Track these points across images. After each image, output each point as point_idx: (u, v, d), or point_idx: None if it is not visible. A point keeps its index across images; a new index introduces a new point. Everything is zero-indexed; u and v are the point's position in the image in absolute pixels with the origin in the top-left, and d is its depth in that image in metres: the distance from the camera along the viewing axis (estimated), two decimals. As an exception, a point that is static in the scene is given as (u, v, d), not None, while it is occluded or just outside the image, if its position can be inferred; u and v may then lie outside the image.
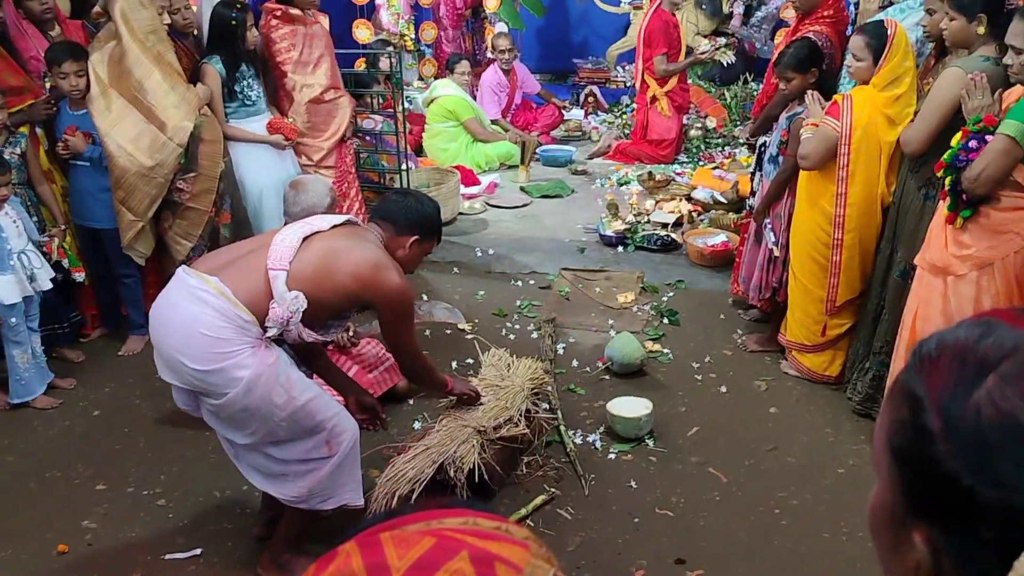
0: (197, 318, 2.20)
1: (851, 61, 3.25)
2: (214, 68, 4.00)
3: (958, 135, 2.66)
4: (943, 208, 2.76)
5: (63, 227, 3.70)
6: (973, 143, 2.58)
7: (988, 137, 2.54)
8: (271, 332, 2.27)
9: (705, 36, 7.64)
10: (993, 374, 0.58)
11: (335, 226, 2.42)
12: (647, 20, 6.37)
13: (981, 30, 2.86)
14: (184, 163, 3.81)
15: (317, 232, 2.36)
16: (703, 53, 6.70)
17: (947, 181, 2.67)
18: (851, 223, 3.30)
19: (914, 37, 3.50)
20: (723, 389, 3.61)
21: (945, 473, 0.58)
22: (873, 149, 3.21)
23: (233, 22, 3.94)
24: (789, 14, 7.16)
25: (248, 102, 4.15)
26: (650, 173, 6.03)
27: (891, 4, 4.01)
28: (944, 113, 2.84)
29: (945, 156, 2.67)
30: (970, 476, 0.56)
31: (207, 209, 3.92)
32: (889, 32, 3.13)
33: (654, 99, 6.51)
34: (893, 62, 3.13)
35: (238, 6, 3.98)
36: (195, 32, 4.16)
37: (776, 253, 3.69)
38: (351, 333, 3.35)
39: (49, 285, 3.51)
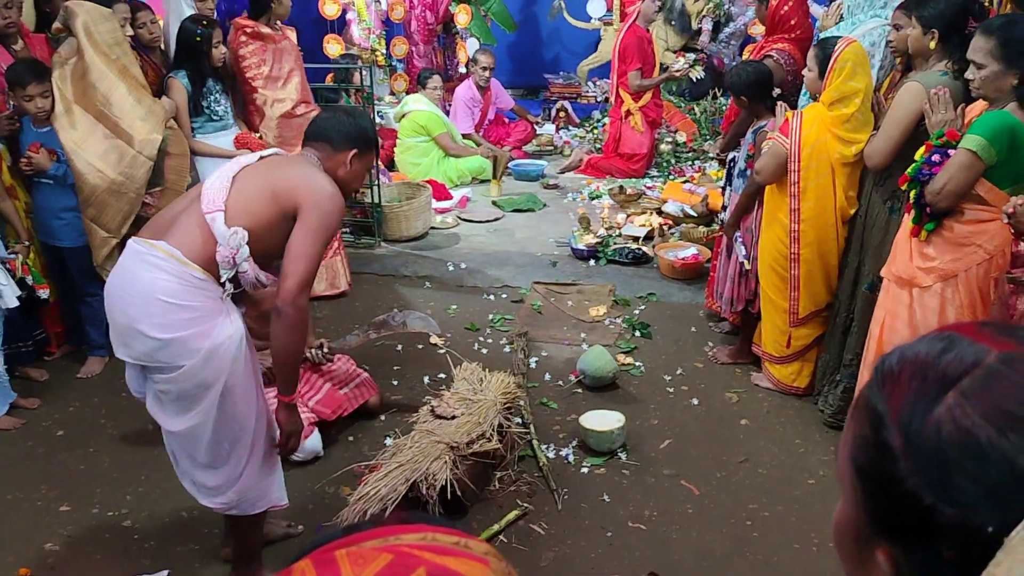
0: (154, 284, 2.16)
1: (806, 71, 3.32)
2: (180, 82, 3.97)
3: (922, 149, 2.70)
4: (908, 221, 2.80)
5: (27, 244, 3.63)
6: (936, 157, 2.62)
7: (951, 151, 2.58)
8: (225, 276, 2.21)
9: (675, 52, 7.73)
10: (954, 390, 0.58)
11: (263, 157, 2.37)
12: (622, 35, 6.43)
13: (932, 44, 2.91)
14: (151, 177, 3.76)
15: (246, 167, 2.31)
16: (677, 70, 6.79)
17: (911, 194, 2.71)
18: (807, 237, 3.34)
19: (866, 44, 3.55)
20: (695, 401, 3.63)
21: (906, 491, 0.57)
22: (824, 166, 3.25)
23: (199, 38, 3.92)
24: (757, 30, 7.30)
25: (215, 117, 4.12)
26: (621, 187, 6.07)
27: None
28: (905, 127, 2.88)
29: (909, 170, 2.71)
30: (930, 494, 0.56)
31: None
32: (837, 49, 3.17)
33: (628, 113, 6.57)
34: (837, 80, 3.16)
35: (204, 22, 3.96)
36: (161, 47, 4.12)
37: (747, 266, 3.72)
38: (325, 349, 3.32)
39: (16, 303, 3.44)
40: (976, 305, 2.68)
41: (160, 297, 2.15)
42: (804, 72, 3.32)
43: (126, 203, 3.67)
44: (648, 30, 6.53)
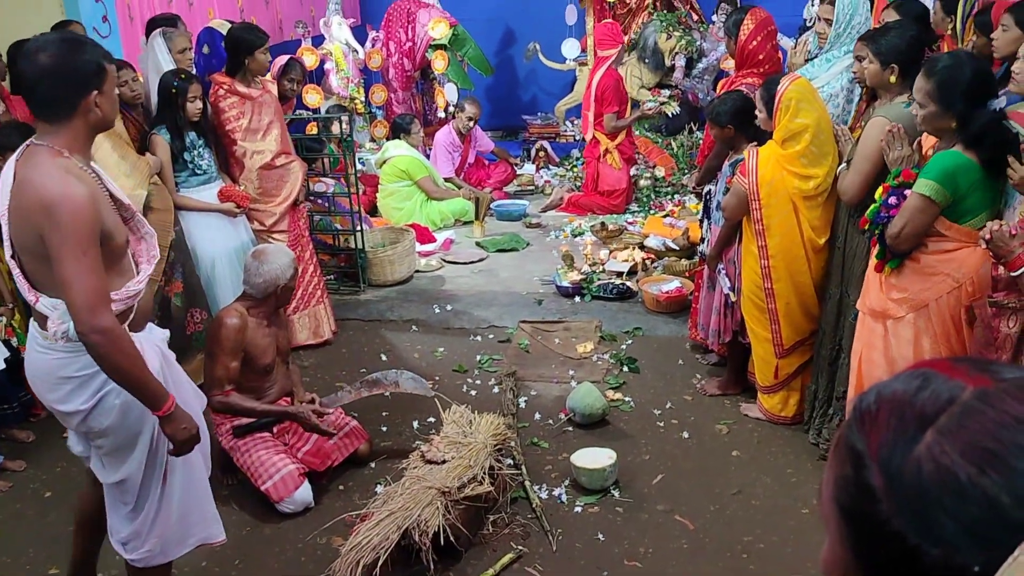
0: (50, 366, 2.14)
1: (756, 111, 3.39)
2: (163, 138, 4.00)
3: (880, 190, 2.75)
4: (875, 255, 2.84)
5: (11, 305, 3.62)
6: (892, 199, 2.66)
7: (907, 191, 2.62)
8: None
9: (649, 89, 7.85)
10: (931, 428, 0.58)
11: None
12: (599, 78, 6.54)
13: (892, 79, 2.98)
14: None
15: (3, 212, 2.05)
16: (649, 108, 6.91)
17: (876, 230, 2.75)
18: (778, 272, 3.38)
19: (845, 80, 3.63)
20: (685, 435, 3.63)
21: (891, 532, 0.58)
22: (784, 202, 3.29)
23: (174, 90, 3.97)
24: (729, 64, 7.41)
25: (199, 171, 4.15)
26: (603, 223, 6.12)
27: (816, 56, 4.17)
28: (875, 161, 2.92)
29: (868, 212, 2.75)
30: (915, 535, 0.56)
31: (156, 279, 3.87)
32: (779, 89, 3.21)
33: (606, 152, 6.66)
34: (784, 119, 3.22)
35: (182, 76, 4.01)
36: (143, 103, 4.16)
37: (733, 298, 3.74)
38: (317, 404, 3.33)
39: (2, 365, 3.42)
40: (950, 334, 2.70)
41: (60, 375, 2.14)
42: (756, 113, 3.39)
43: (111, 260, 3.67)
44: (616, 70, 6.67)
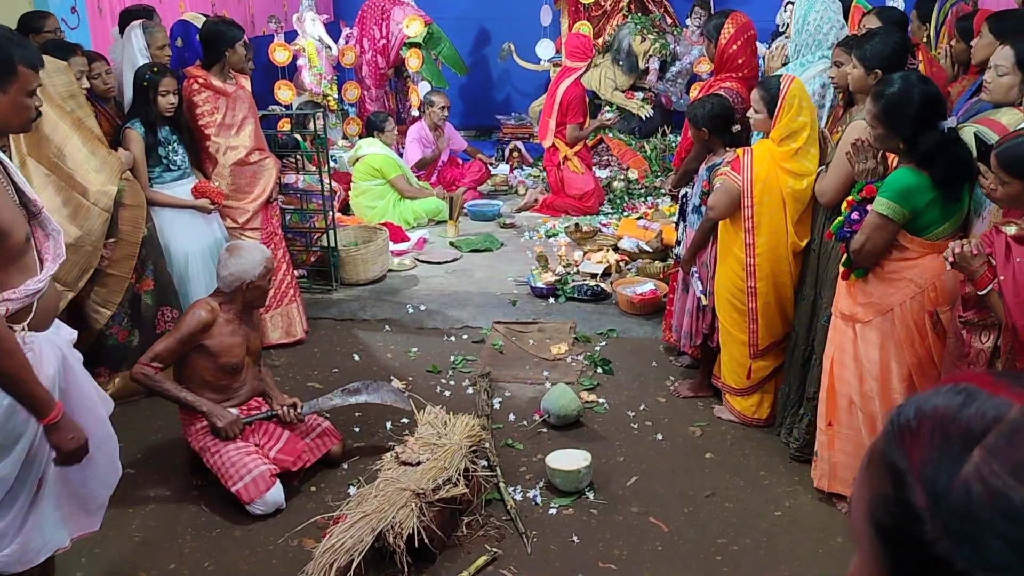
0: None
1: (751, 113, 3.41)
2: (136, 132, 3.93)
3: (844, 203, 2.81)
4: (841, 264, 2.89)
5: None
6: (855, 215, 2.73)
7: (869, 207, 2.68)
8: None
9: (623, 91, 7.89)
10: (979, 447, 0.56)
11: None
12: (565, 87, 6.57)
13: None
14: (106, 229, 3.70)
15: None
16: (608, 119, 7.11)
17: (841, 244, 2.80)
18: (762, 271, 3.41)
19: (817, 85, 3.68)
20: (659, 437, 3.64)
21: (936, 555, 0.56)
22: (776, 200, 3.33)
23: (145, 83, 3.90)
24: (702, 68, 7.49)
25: (173, 167, 4.08)
26: (577, 225, 6.13)
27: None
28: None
29: (832, 226, 2.84)
30: (963, 559, 0.54)
31: (127, 276, 3.80)
32: (783, 87, 3.28)
33: (565, 159, 6.71)
34: (787, 117, 3.27)
35: (154, 69, 3.94)
36: (116, 97, 4.08)
37: (704, 301, 3.77)
38: (299, 409, 3.28)
39: None
40: (914, 338, 2.77)
41: None
42: (750, 114, 3.41)
43: (83, 256, 3.59)
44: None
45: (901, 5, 5.75)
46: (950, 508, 0.56)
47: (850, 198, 2.79)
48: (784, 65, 3.96)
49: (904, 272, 2.73)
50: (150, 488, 3.34)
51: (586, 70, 6.71)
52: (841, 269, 2.88)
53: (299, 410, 3.29)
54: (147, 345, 3.90)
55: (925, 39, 3.72)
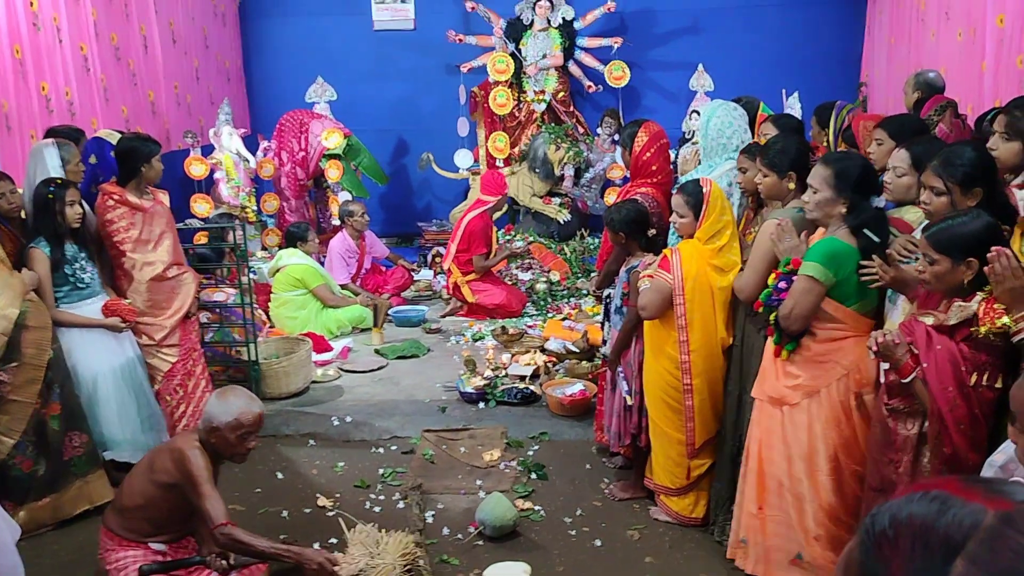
0: None
1: (675, 218, 3.53)
2: (42, 251, 3.78)
3: (772, 275, 2.94)
4: (771, 343, 2.97)
5: None
6: (783, 284, 2.87)
7: (795, 277, 2.81)
8: None
9: (541, 197, 8.12)
10: (960, 558, 0.56)
11: None
12: (470, 220, 6.74)
13: (792, 186, 3.22)
14: (5, 353, 3.50)
15: None
16: (518, 248, 7.36)
17: (772, 317, 2.90)
18: (697, 368, 3.46)
19: (724, 184, 3.85)
20: (598, 543, 3.57)
21: None
22: (706, 297, 3.43)
23: (50, 195, 3.80)
24: (615, 174, 7.79)
25: (81, 284, 3.93)
26: (503, 327, 6.14)
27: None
28: (769, 261, 3.09)
29: (761, 296, 2.96)
30: None
31: (32, 401, 3.58)
32: (705, 191, 3.43)
33: (455, 285, 6.79)
34: (712, 218, 3.41)
35: (57, 182, 3.85)
36: (21, 215, 3.94)
37: (629, 401, 3.78)
38: (231, 561, 3.08)
39: None
40: (840, 419, 2.85)
41: None
42: (673, 219, 3.53)
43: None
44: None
45: (798, 113, 6.16)
46: None
47: (777, 270, 2.91)
48: (697, 167, 4.15)
49: (830, 355, 2.83)
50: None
51: (496, 205, 6.91)
52: (772, 347, 2.95)
53: (231, 561, 3.07)
54: (55, 474, 3.66)
55: (825, 143, 3.96)
